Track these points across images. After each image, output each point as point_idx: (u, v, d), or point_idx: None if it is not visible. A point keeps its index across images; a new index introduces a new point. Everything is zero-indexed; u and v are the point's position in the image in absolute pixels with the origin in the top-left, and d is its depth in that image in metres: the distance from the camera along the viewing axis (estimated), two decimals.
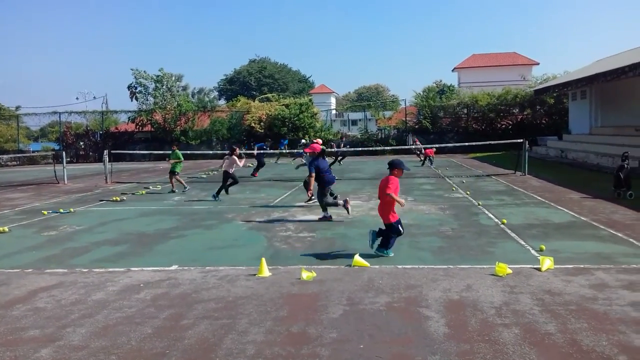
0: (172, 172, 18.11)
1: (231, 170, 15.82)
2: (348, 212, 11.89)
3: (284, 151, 30.56)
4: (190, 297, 6.50)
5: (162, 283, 7.18)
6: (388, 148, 34.69)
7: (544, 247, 8.34)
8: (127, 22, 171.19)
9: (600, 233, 9.62)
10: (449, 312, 5.69)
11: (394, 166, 8.46)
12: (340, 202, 11.92)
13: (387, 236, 8.28)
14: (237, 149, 16.34)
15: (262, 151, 24.94)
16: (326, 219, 11.68)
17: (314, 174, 11.81)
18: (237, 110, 44.13)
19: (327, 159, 15.11)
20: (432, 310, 5.75)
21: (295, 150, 31.20)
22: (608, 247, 8.49)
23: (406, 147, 33.38)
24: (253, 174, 23.26)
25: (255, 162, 24.72)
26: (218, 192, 15.60)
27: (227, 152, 17.02)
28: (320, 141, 11.90)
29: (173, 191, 17.80)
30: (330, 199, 12.00)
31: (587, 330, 5.07)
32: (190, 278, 7.37)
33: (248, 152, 30.12)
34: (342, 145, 34.39)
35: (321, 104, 63.54)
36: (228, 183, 15.91)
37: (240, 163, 15.89)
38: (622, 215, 11.25)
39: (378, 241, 8.37)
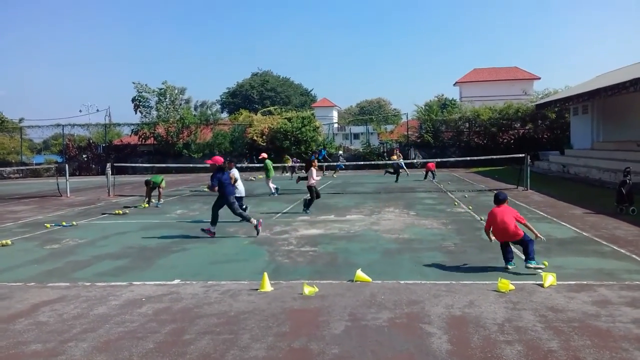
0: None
1: (313, 182, 15.54)
2: (257, 233, 11.73)
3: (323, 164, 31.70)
4: (192, 312, 6.49)
5: (164, 297, 7.17)
6: (390, 162, 34.68)
7: (546, 263, 8.31)
8: (131, 35, 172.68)
9: (602, 249, 9.60)
10: (451, 328, 5.68)
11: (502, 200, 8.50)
12: (254, 221, 11.89)
13: (527, 247, 8.18)
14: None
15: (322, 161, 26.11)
16: (252, 224, 11.91)
17: (216, 187, 11.72)
18: (240, 124, 44.29)
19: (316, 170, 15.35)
20: (435, 327, 5.73)
21: (296, 165, 31.83)
22: (611, 264, 8.47)
23: (407, 161, 33.38)
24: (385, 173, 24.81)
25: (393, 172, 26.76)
26: (308, 206, 15.42)
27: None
28: (220, 158, 11.98)
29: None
30: (243, 212, 12.42)
31: (590, 348, 5.06)
32: (192, 292, 7.37)
33: (251, 165, 30.30)
34: (341, 158, 34.59)
35: (323, 117, 63.70)
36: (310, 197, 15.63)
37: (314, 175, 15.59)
38: (625, 231, 11.23)
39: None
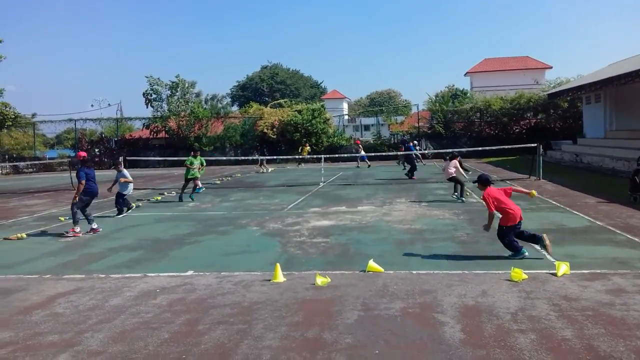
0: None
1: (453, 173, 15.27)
2: (68, 235, 11.48)
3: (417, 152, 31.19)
4: (206, 303, 6.55)
5: (178, 288, 7.24)
6: (401, 153, 34.56)
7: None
8: (141, 29, 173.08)
9: (616, 238, 9.54)
10: (464, 317, 5.68)
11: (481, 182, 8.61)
12: (77, 228, 11.61)
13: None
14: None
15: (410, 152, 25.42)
16: (94, 230, 11.82)
17: (83, 182, 11.47)
18: (250, 117, 44.36)
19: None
20: (448, 316, 5.74)
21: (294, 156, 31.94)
22: (624, 252, 8.42)
23: (419, 152, 33.21)
24: (411, 177, 22.80)
25: (407, 165, 25.02)
26: (461, 194, 15.27)
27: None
28: (83, 153, 12.27)
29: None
30: (80, 214, 11.78)
31: (604, 336, 5.04)
32: (205, 283, 7.43)
33: (265, 158, 30.35)
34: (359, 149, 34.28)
35: (333, 109, 63.67)
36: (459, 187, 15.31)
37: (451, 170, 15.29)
38: (639, 220, 11.14)
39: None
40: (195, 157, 18.23)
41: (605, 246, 8.93)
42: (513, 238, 8.22)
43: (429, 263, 8.16)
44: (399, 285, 6.95)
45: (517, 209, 8.24)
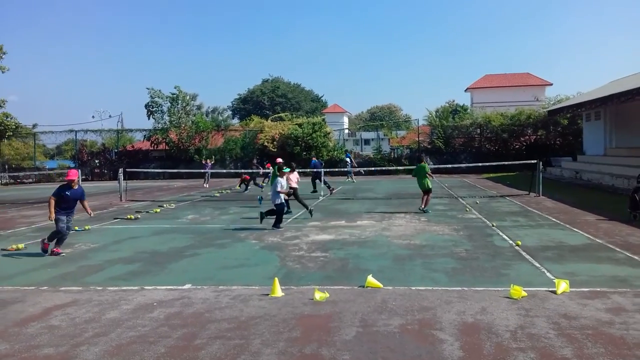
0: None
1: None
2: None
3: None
4: (204, 317, 6.50)
5: (176, 302, 7.19)
6: (401, 168, 34.68)
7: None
8: (143, 42, 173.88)
9: (616, 256, 9.51)
10: (463, 335, 5.64)
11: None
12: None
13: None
14: None
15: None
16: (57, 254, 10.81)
17: (54, 198, 10.87)
18: (251, 130, 44.48)
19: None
20: (446, 333, 5.70)
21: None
22: (624, 270, 8.39)
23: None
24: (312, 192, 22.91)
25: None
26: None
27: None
28: (72, 174, 11.16)
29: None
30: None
31: (603, 356, 5.00)
32: (203, 297, 7.39)
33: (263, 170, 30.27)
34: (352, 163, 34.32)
35: (334, 123, 63.72)
36: None
37: None
38: (639, 238, 11.12)
39: None
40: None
41: (605, 264, 8.90)
42: None
43: (428, 279, 8.12)
44: (397, 301, 6.92)
45: None
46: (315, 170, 24.74)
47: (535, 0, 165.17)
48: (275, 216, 13.72)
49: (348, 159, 34.00)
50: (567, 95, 42.66)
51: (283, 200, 13.84)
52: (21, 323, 6.45)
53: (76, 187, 11.11)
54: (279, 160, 17.76)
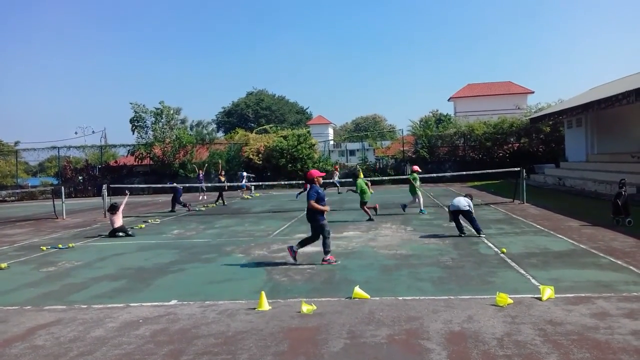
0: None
1: None
2: None
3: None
4: (190, 333, 6.45)
5: (161, 318, 7.13)
6: (386, 178, 34.77)
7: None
8: (126, 56, 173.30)
9: (600, 261, 9.60)
10: (450, 344, 5.66)
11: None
12: None
13: None
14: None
15: None
16: None
17: None
18: (236, 143, 44.40)
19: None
20: (434, 343, 5.71)
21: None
22: (608, 275, 8.47)
23: (404, 176, 33.49)
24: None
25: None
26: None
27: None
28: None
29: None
30: None
31: None
32: (189, 313, 7.33)
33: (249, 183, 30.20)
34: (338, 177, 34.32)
35: (319, 134, 63.94)
36: None
37: None
38: (622, 243, 11.25)
39: None
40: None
41: (589, 269, 8.98)
42: None
43: (415, 288, 8.14)
44: (385, 312, 6.92)
45: None
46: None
47: (516, 10, 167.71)
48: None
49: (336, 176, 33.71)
50: (548, 103, 43.20)
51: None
52: (4, 344, 6.34)
53: None
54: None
